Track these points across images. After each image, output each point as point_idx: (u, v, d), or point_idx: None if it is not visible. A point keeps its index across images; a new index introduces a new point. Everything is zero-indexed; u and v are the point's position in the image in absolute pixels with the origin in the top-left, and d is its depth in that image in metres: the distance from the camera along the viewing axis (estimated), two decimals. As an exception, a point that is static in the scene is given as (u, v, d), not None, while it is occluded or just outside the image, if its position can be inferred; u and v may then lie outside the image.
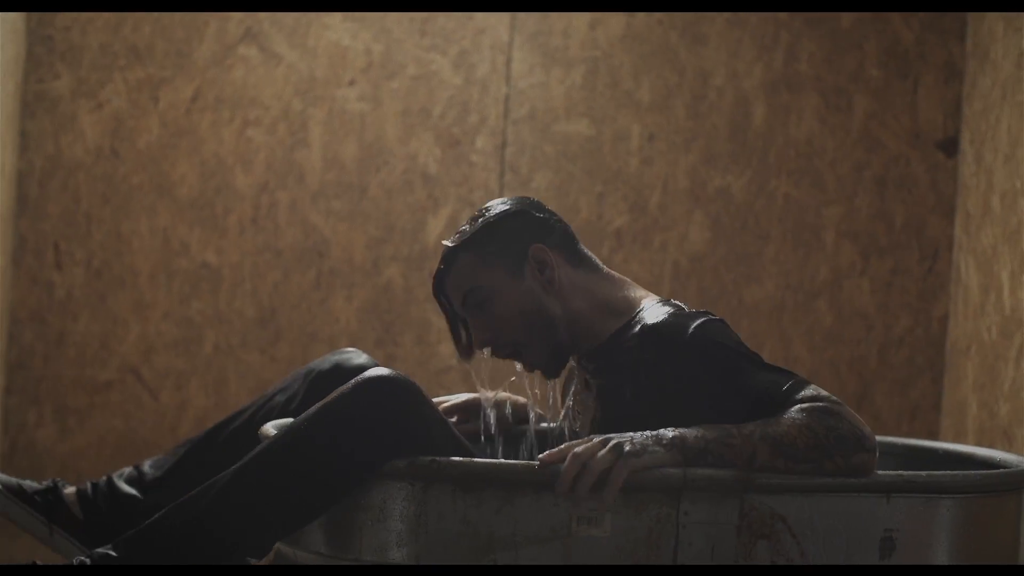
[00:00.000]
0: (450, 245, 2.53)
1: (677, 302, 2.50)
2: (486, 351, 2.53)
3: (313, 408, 2.31)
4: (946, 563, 2.27)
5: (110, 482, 2.81)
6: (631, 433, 2.21)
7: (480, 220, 2.54)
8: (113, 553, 2.31)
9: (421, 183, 4.21)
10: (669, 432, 2.20)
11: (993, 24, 3.99)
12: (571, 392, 2.66)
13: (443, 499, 2.18)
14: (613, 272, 2.61)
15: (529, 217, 2.55)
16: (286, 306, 4.18)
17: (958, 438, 4.02)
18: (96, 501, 2.78)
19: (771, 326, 4.23)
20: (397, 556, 2.21)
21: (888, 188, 4.25)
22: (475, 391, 2.77)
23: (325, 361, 2.78)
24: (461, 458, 2.21)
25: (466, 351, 2.59)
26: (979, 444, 3.77)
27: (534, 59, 4.22)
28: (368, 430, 2.25)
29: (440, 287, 2.54)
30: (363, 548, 2.24)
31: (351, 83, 4.20)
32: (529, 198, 2.60)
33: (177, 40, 4.15)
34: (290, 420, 2.46)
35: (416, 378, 2.37)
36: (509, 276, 2.50)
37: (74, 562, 2.30)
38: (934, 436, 4.19)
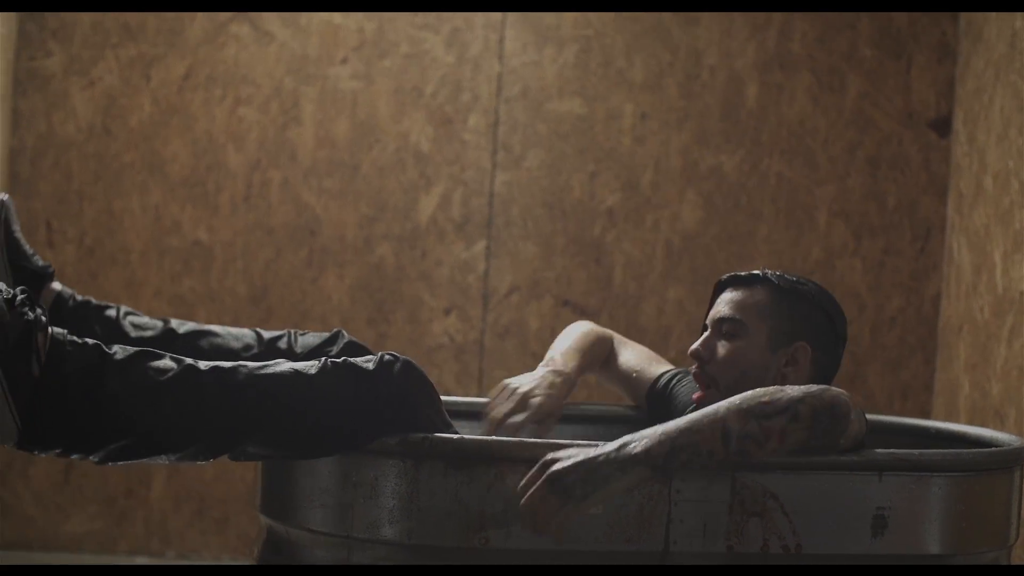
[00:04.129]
0: (769, 276, 2.57)
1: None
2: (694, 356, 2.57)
3: (331, 362, 2.29)
4: (937, 541, 2.27)
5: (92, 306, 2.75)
6: (595, 450, 2.15)
7: (799, 285, 2.56)
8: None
9: (413, 161, 4.20)
10: (632, 445, 2.15)
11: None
12: None
13: (435, 476, 2.18)
14: None
15: (825, 321, 2.55)
16: (278, 284, 4.17)
17: (950, 417, 4.02)
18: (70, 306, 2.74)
19: (763, 305, 4.23)
20: (389, 533, 2.21)
21: (880, 168, 4.25)
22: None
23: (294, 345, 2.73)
24: (452, 435, 2.21)
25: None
26: (971, 423, 3.78)
27: (527, 37, 4.21)
28: (377, 403, 2.24)
29: (727, 285, 2.61)
30: (355, 525, 2.24)
31: (343, 61, 4.19)
32: (836, 307, 2.60)
33: (169, 18, 4.14)
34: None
35: (407, 355, 2.36)
36: (767, 342, 2.52)
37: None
38: (926, 416, 4.20)
